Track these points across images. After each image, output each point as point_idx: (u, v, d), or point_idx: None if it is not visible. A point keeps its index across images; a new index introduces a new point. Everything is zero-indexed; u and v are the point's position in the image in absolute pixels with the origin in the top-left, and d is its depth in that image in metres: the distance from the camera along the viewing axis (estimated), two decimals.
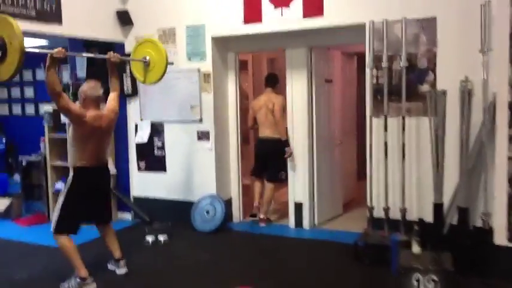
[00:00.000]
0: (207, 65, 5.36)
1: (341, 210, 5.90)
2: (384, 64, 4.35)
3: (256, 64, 6.47)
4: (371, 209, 4.49)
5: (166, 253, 4.77)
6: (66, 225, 3.86)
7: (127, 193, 6.02)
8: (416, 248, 3.62)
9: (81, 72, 6.15)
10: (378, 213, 4.49)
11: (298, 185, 5.37)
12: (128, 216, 6.04)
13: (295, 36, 5.17)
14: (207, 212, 5.33)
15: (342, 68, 5.98)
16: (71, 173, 3.92)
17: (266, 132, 5.53)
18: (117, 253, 4.16)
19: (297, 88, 5.29)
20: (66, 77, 6.36)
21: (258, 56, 6.41)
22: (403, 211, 4.32)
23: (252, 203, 5.77)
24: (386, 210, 4.39)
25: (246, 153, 6.45)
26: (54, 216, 3.92)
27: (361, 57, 6.55)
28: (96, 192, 4.00)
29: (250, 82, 6.59)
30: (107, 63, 4.20)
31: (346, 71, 6.19)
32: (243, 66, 5.80)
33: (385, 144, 4.38)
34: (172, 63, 4.58)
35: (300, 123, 5.29)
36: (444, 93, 3.86)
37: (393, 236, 4.07)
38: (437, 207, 3.93)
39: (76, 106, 3.90)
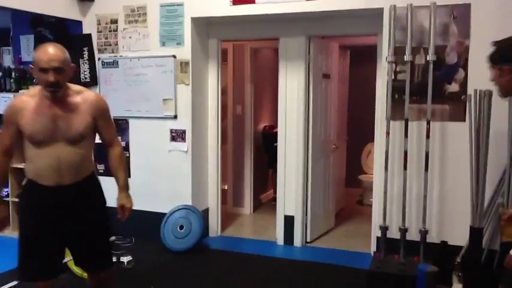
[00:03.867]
0: (184, 52, 4.47)
1: (333, 223, 5.19)
2: (407, 57, 3.64)
3: (238, 55, 5.63)
4: (384, 228, 3.78)
5: (131, 280, 3.85)
6: (31, 267, 2.50)
7: None
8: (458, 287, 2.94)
9: (27, 55, 5.09)
10: (391, 233, 3.81)
11: (290, 195, 4.60)
12: None
13: (292, 23, 4.39)
14: (181, 227, 4.45)
15: (338, 62, 5.25)
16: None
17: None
18: None
19: (292, 84, 4.51)
20: (7, 61, 5.25)
21: (240, 45, 5.59)
22: (424, 233, 3.64)
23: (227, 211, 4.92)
24: (404, 230, 3.70)
25: (224, 155, 5.61)
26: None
27: (354, 51, 5.90)
28: (63, 219, 2.51)
29: (230, 75, 5.74)
30: None
31: (341, 66, 5.47)
32: (222, 56, 4.95)
33: (405, 153, 3.68)
34: None
35: (294, 125, 4.51)
36: (490, 94, 3.20)
37: (420, 265, 3.37)
38: (476, 233, 3.26)
39: None
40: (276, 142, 4.71)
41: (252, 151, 5.84)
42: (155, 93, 4.57)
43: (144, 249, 4.43)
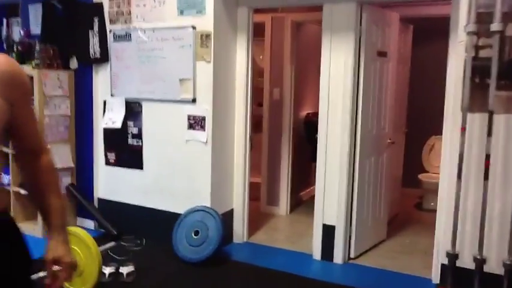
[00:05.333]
0: (206, 22, 3.66)
1: (385, 234, 4.27)
2: (495, 27, 2.65)
3: (277, 29, 4.77)
4: (453, 256, 2.85)
5: None
6: None
7: (89, 194, 4.40)
8: None
9: (36, 27, 4.47)
10: (462, 261, 2.88)
11: (330, 200, 3.73)
12: (90, 224, 4.43)
13: None
14: (196, 233, 3.71)
15: (398, 38, 4.26)
16: None
17: None
18: None
19: (337, 62, 3.60)
20: (17, 33, 4.66)
21: (279, 18, 4.72)
22: (509, 265, 2.68)
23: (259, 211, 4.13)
24: (480, 261, 2.76)
25: (258, 145, 4.84)
26: None
27: (418, 25, 4.88)
28: None
29: (266, 54, 4.89)
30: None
31: (401, 44, 4.47)
32: (257, 31, 4.11)
33: (487, 157, 2.71)
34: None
35: (339, 113, 3.62)
36: None
37: None
38: None
39: None
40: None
41: (290, 141, 4.99)
42: (171, 72, 3.81)
43: (152, 256, 3.75)
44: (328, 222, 3.75)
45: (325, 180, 3.73)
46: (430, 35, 5.28)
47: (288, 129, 4.96)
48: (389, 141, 4.17)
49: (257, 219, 4.58)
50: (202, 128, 3.78)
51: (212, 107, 3.73)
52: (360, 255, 3.86)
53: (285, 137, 4.98)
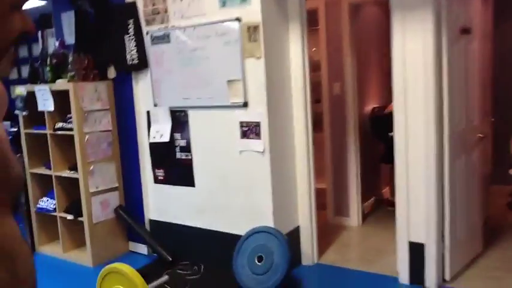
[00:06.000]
0: (252, 12, 3.14)
1: (480, 245, 3.57)
2: None
3: (332, 16, 4.17)
4: None
5: None
6: None
7: (140, 216, 4.00)
8: None
9: (70, 37, 4.13)
10: None
11: (416, 213, 3.10)
12: (142, 249, 4.03)
13: None
14: (260, 259, 3.20)
15: (480, 12, 3.55)
16: None
17: None
18: None
19: (414, 46, 2.96)
20: (52, 45, 4.34)
21: (334, 2, 4.12)
22: None
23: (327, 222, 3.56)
24: None
25: (320, 147, 4.27)
26: None
27: None
28: None
29: (322, 45, 4.30)
30: None
31: (481, 18, 3.75)
32: (309, 20, 3.53)
33: None
34: None
35: (421, 106, 2.98)
36: None
37: None
38: None
39: None
40: (391, 128, 3.24)
41: (357, 141, 4.38)
42: (217, 74, 3.32)
43: (213, 286, 3.28)
44: (415, 240, 3.12)
45: (408, 189, 3.10)
46: None
47: (353, 127, 4.35)
48: (480, 135, 3.47)
49: (325, 233, 4.01)
50: (258, 135, 3.27)
51: (267, 110, 3.20)
52: (456, 275, 3.20)
53: (350, 136, 4.37)
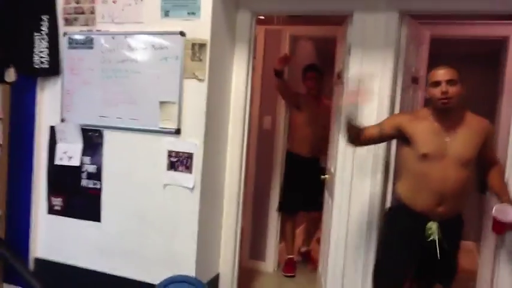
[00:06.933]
0: (200, 28, 2.73)
1: None
2: None
3: (271, 45, 3.89)
4: None
5: None
6: None
7: (23, 252, 3.26)
8: None
9: None
10: None
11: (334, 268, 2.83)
12: None
13: None
14: None
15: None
16: None
17: None
18: None
19: (370, 87, 2.78)
20: None
21: (275, 31, 3.86)
22: None
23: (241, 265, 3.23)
24: None
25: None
26: None
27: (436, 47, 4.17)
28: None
29: (257, 74, 4.00)
30: None
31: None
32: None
33: None
34: None
35: (371, 151, 2.77)
36: None
37: None
38: None
39: None
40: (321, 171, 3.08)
41: (282, 181, 4.10)
42: (148, 92, 2.83)
43: None
44: None
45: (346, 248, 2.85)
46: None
47: (280, 166, 4.07)
48: None
49: (240, 279, 3.60)
50: (188, 169, 2.81)
51: (203, 141, 2.77)
52: None
53: (275, 175, 4.07)
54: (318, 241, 4.02)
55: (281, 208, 4.08)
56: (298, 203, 4.05)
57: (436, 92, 2.31)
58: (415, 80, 3.12)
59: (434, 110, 2.38)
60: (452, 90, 2.28)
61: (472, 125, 2.37)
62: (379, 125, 2.52)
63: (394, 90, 2.80)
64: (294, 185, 4.03)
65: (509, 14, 2.72)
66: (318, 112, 3.99)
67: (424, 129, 2.36)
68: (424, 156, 2.32)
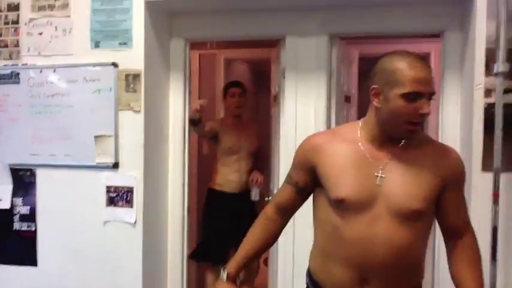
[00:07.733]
0: (133, 58, 2.67)
1: None
2: (500, 67, 2.12)
3: (206, 70, 3.89)
4: None
5: None
6: None
7: None
8: None
9: None
10: None
11: None
12: None
13: (307, 12, 2.76)
14: None
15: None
16: None
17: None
18: None
19: (306, 111, 2.83)
20: None
21: (209, 55, 3.86)
22: None
23: None
24: None
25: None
26: None
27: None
28: None
29: (194, 100, 3.96)
30: None
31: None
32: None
33: (494, 229, 2.10)
34: None
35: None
36: None
37: None
38: None
39: None
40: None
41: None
42: (82, 127, 2.72)
43: None
44: None
45: None
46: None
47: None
48: None
49: None
50: (129, 203, 2.72)
51: (143, 173, 2.70)
52: None
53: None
54: (265, 262, 3.97)
55: (197, 255, 3.40)
56: (223, 252, 3.23)
57: (409, 109, 1.35)
58: (347, 99, 3.22)
59: (374, 131, 1.47)
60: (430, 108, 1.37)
61: (428, 158, 1.45)
62: (288, 177, 1.62)
63: (329, 111, 2.87)
64: (215, 231, 3.44)
65: (427, 34, 2.90)
66: (241, 136, 3.49)
67: (345, 158, 1.45)
68: (339, 203, 1.42)
